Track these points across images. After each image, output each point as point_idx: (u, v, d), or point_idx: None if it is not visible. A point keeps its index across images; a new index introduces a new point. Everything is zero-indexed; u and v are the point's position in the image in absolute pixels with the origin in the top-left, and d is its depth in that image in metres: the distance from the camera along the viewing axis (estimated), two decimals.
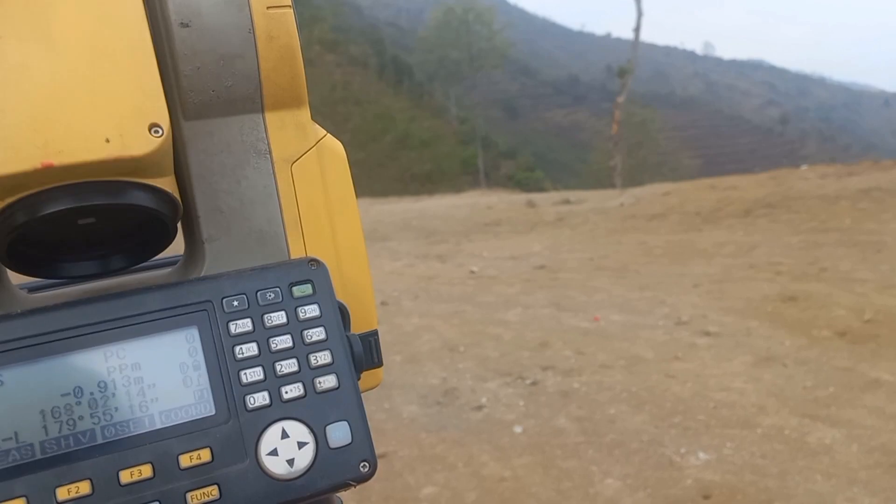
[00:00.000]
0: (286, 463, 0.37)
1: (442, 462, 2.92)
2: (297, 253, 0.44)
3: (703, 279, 5.83)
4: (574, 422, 3.25)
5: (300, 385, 0.39)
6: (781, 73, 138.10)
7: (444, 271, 7.04)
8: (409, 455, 2.97)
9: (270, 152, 0.43)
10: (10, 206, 0.34)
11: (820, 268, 5.80)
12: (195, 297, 0.38)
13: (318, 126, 0.46)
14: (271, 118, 0.43)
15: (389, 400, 3.57)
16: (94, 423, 0.36)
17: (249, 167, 0.43)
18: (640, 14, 18.31)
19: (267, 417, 0.38)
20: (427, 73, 46.06)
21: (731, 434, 3.02)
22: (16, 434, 0.34)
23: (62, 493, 0.34)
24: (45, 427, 0.35)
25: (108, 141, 0.34)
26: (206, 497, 0.36)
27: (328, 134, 0.46)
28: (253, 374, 0.38)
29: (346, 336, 0.41)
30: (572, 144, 64.75)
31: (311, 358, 0.39)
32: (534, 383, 3.73)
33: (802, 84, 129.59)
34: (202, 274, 0.42)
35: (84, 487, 0.34)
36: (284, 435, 0.38)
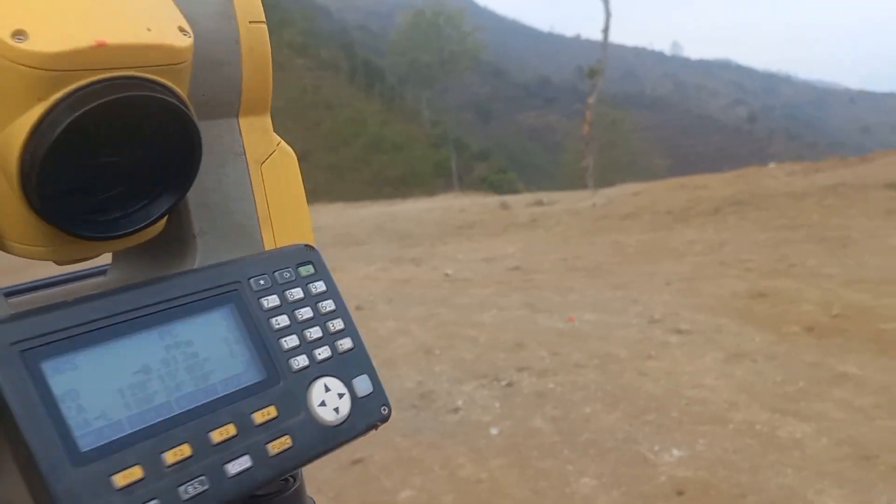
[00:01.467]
0: (333, 411, 0.44)
1: (418, 465, 2.92)
2: (269, 245, 0.49)
3: (674, 277, 5.90)
4: (549, 422, 3.27)
5: (327, 348, 0.45)
6: (749, 72, 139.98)
7: (418, 275, 7.05)
8: (385, 459, 2.97)
9: (245, 153, 0.48)
10: (57, 103, 0.34)
11: (788, 264, 5.90)
12: (225, 278, 0.43)
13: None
14: (244, 122, 0.48)
15: None
16: (167, 397, 0.39)
17: (228, 166, 0.48)
18: (608, 15, 18.46)
19: (310, 375, 0.44)
20: (398, 77, 46.02)
21: (704, 430, 3.06)
22: (103, 412, 0.37)
23: (169, 456, 0.37)
24: (126, 404, 0.37)
25: (149, 30, 0.36)
26: (282, 446, 0.41)
27: (281, 139, 0.51)
28: (291, 341, 0.44)
29: None
30: (545, 146, 65.09)
31: (329, 325, 0.45)
32: (509, 384, 3.75)
33: (769, 83, 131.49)
34: (196, 265, 0.46)
35: (186, 450, 0.38)
36: (327, 389, 0.44)
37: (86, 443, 0.35)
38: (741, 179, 11.24)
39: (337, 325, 0.46)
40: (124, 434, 0.37)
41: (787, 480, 2.63)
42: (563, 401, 3.49)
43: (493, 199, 15.59)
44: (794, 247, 6.54)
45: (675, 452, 2.88)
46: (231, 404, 0.40)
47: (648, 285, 5.72)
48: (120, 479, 0.35)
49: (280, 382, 0.42)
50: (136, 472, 0.36)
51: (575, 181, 20.71)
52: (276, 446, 0.41)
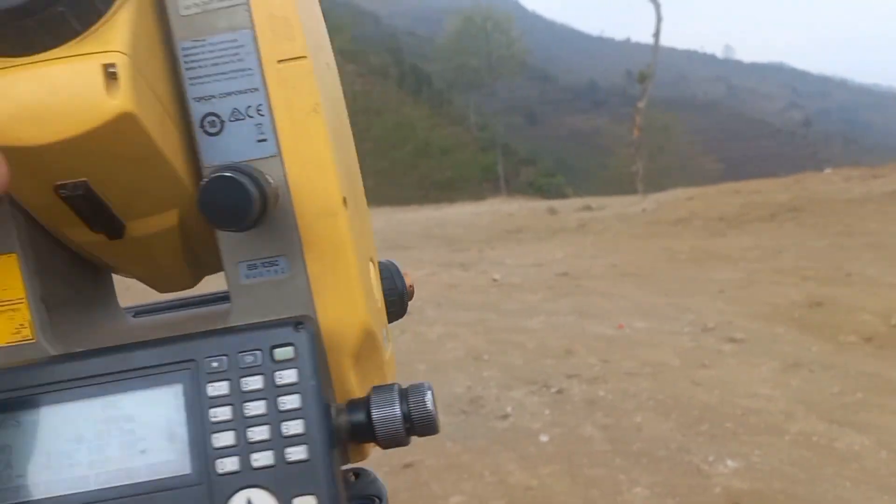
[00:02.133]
0: None
1: (468, 471, 2.93)
2: (320, 308, 0.44)
3: (728, 285, 5.80)
4: (600, 430, 3.25)
5: (271, 454, 0.38)
6: (803, 75, 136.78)
7: (466, 279, 7.06)
8: (435, 464, 2.99)
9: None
10: None
11: (846, 272, 5.75)
12: (182, 354, 0.39)
13: None
14: None
15: None
16: (89, 470, 0.38)
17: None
18: (659, 19, 18.24)
19: (235, 483, 0.38)
20: (446, 82, 46.19)
21: (759, 441, 3.01)
22: (26, 472, 0.37)
23: None
24: (49, 468, 0.37)
25: None
26: None
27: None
28: (224, 439, 0.38)
29: (330, 405, 0.40)
30: (592, 150, 64.56)
31: (283, 427, 0.38)
32: (559, 391, 3.73)
33: (825, 86, 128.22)
34: (230, 322, 0.43)
35: None
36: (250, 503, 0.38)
37: None
38: (797, 185, 10.99)
39: (293, 427, 0.38)
40: (36, 498, 0.37)
41: (845, 493, 2.57)
42: (613, 409, 3.47)
43: (540, 204, 15.54)
44: (853, 254, 6.37)
45: (730, 463, 2.84)
46: (145, 493, 0.37)
47: (701, 293, 5.63)
48: None
49: (201, 484, 0.38)
50: None
51: (624, 186, 20.50)
52: None
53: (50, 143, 0.34)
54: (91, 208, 0.39)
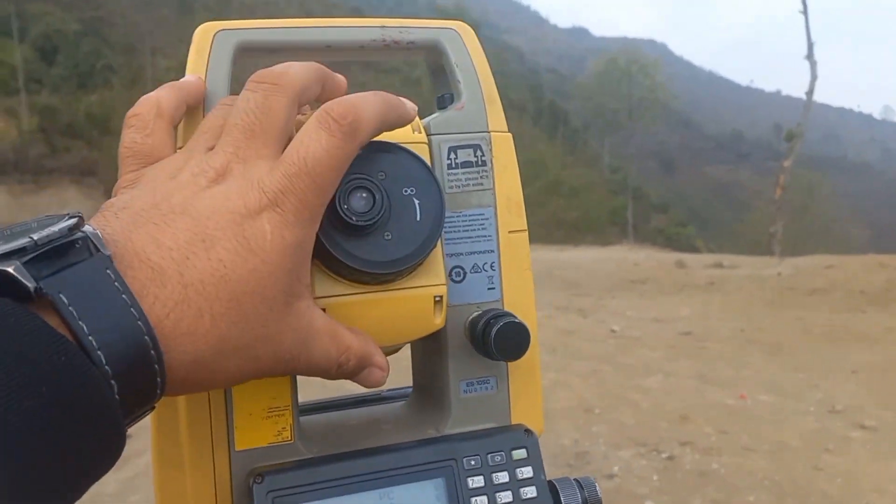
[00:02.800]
0: None
1: None
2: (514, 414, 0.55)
3: (863, 366, 5.46)
4: None
5: None
6: None
7: (584, 327, 7.00)
8: None
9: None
10: None
11: None
12: (444, 454, 0.49)
13: None
14: None
15: None
16: None
17: None
18: (814, 77, 17.49)
19: None
20: (583, 121, 46.00)
21: None
22: None
23: None
24: None
25: None
26: None
27: None
28: None
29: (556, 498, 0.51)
30: (730, 203, 62.22)
31: None
32: (670, 458, 3.64)
33: None
34: (448, 428, 0.53)
35: None
36: None
37: None
38: None
39: None
40: None
41: None
42: (726, 484, 3.35)
43: (669, 256, 15.15)
44: None
45: None
46: None
47: (833, 371, 5.33)
48: None
49: None
50: None
51: (760, 245, 19.64)
52: None
53: (391, 344, 0.49)
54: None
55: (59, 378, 0.28)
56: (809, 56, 18.09)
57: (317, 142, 0.38)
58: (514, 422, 0.53)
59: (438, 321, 0.49)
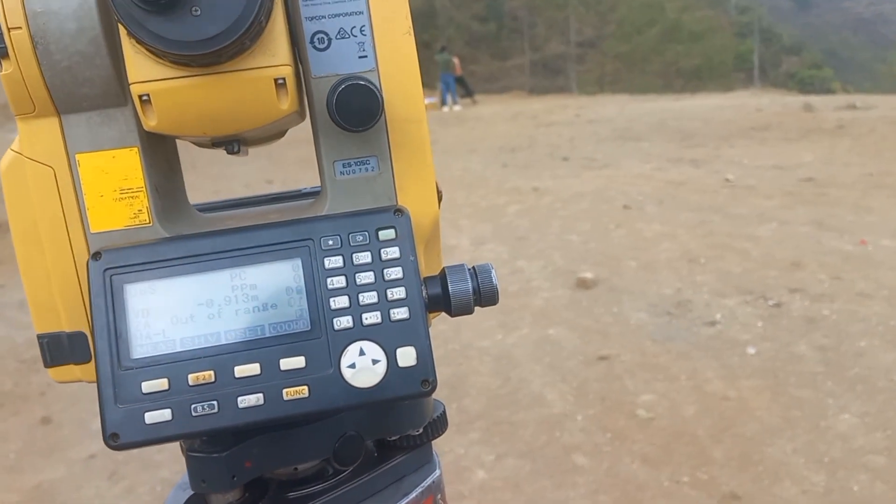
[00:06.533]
0: (362, 374, 0.46)
1: (664, 372, 2.91)
2: (400, 195, 0.51)
3: None
4: (816, 350, 3.04)
5: (378, 313, 0.46)
6: None
7: (695, 178, 6.71)
8: (631, 361, 2.99)
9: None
10: None
11: None
12: (301, 234, 0.47)
13: None
14: None
15: (618, 304, 3.57)
16: (219, 328, 0.45)
17: None
18: None
19: (349, 337, 0.46)
20: None
21: None
22: (164, 330, 0.45)
23: (193, 378, 0.45)
24: (184, 327, 0.45)
25: None
26: (297, 394, 0.45)
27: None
28: (340, 302, 0.46)
29: (423, 278, 0.48)
30: (873, 41, 56.60)
31: (389, 292, 0.47)
32: (777, 305, 3.52)
33: None
34: (325, 211, 0.50)
35: (208, 376, 0.45)
36: (361, 352, 0.46)
37: (138, 352, 0.44)
38: None
39: (397, 293, 0.47)
40: (172, 352, 0.44)
41: None
42: (836, 330, 3.22)
43: (795, 99, 14.10)
44: None
45: None
46: (267, 347, 0.45)
47: None
48: (147, 387, 0.44)
49: (320, 338, 0.46)
50: (162, 384, 0.44)
51: None
52: (292, 393, 0.45)
53: (234, 132, 0.46)
54: (233, 147, 0.49)
55: None
56: None
57: None
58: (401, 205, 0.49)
59: (285, 106, 0.44)
